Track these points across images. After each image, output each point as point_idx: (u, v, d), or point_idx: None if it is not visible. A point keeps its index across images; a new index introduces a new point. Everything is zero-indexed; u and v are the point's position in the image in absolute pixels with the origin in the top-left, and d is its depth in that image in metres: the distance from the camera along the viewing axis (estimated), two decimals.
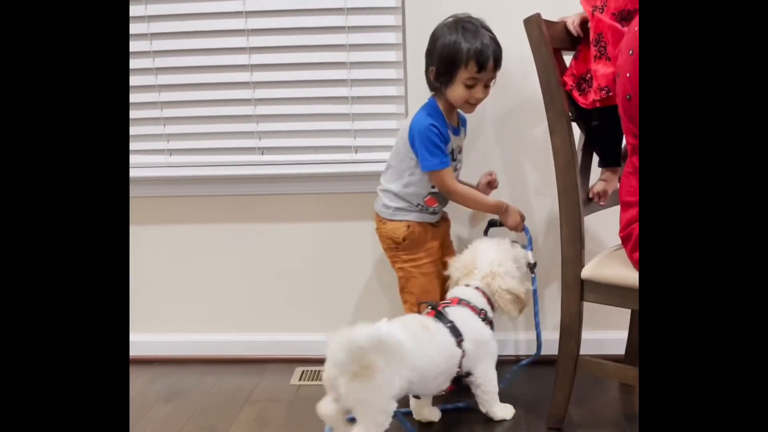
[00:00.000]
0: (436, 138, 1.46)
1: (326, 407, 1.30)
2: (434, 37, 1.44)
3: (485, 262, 1.44)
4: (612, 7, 1.29)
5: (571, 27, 1.37)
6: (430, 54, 1.46)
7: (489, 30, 1.45)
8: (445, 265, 1.58)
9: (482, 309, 1.43)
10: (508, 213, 1.54)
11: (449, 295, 1.48)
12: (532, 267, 1.51)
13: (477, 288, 1.44)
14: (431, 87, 1.49)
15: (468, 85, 1.43)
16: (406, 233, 1.53)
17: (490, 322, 1.45)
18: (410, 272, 1.55)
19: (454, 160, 1.52)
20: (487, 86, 1.47)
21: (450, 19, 1.44)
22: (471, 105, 1.48)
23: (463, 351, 1.38)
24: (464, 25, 1.42)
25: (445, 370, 1.36)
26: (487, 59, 1.41)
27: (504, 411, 1.48)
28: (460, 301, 1.44)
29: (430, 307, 1.44)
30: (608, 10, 1.30)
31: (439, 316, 1.40)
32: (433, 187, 1.52)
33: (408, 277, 1.55)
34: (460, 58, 1.40)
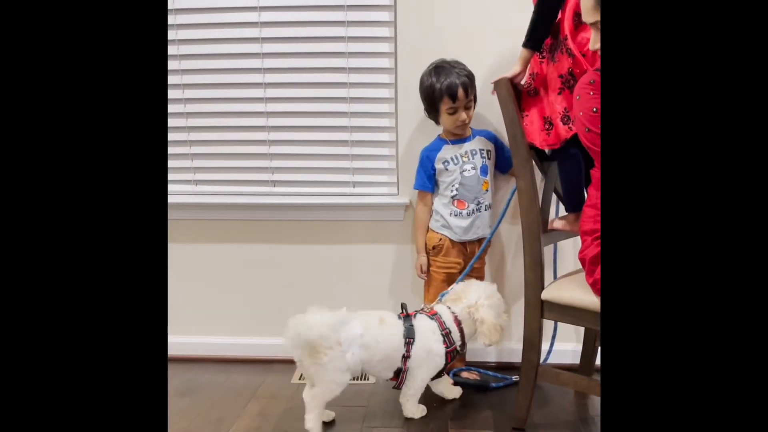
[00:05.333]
0: (421, 165, 1.74)
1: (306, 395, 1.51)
2: (419, 85, 1.68)
3: (474, 295, 1.56)
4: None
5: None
6: (421, 98, 1.70)
7: (460, 66, 1.64)
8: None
9: (448, 329, 1.55)
10: (418, 258, 1.79)
11: (432, 306, 1.62)
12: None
13: (454, 313, 1.57)
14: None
15: (450, 113, 1.65)
16: (437, 243, 1.75)
17: (452, 343, 1.56)
18: (432, 275, 1.77)
19: (456, 163, 1.71)
20: (467, 108, 1.65)
21: (428, 67, 1.67)
22: (460, 127, 1.68)
23: (410, 353, 1.52)
24: (436, 68, 1.65)
25: (387, 357, 1.51)
26: (455, 91, 1.61)
27: (415, 409, 1.60)
28: (435, 314, 1.58)
29: (403, 310, 1.59)
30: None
31: (407, 318, 1.56)
32: (454, 191, 1.71)
33: (432, 277, 1.77)
34: (436, 97, 1.63)
